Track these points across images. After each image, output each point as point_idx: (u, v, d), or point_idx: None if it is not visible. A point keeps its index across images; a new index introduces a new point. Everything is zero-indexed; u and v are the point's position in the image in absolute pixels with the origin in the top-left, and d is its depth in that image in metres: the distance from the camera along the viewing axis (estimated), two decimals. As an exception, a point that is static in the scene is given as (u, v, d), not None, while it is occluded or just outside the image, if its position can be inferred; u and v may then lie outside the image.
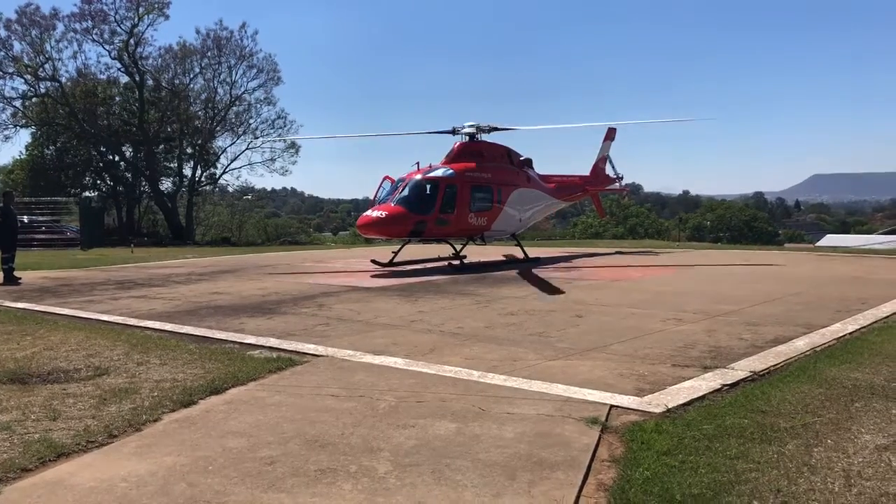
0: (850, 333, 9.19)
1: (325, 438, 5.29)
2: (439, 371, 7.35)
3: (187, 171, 48.56)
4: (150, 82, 46.35)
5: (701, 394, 6.38)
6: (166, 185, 48.93)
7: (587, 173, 27.02)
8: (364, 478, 4.55)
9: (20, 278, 16.62)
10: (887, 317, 10.42)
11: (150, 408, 6.07)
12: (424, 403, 6.18)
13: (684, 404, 6.08)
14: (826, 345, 8.51)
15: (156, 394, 6.52)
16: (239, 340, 9.11)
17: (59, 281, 16.99)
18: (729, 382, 6.76)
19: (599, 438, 5.25)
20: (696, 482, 4.41)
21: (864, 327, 9.63)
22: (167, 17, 44.43)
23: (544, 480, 4.49)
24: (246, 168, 49.86)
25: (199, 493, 4.34)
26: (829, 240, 70.72)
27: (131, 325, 10.35)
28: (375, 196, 19.34)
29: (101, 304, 12.71)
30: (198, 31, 46.06)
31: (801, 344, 8.52)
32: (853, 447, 5.04)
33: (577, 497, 4.27)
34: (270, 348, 8.59)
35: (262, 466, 4.76)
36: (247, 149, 48.48)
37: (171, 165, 49.18)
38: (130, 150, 47.53)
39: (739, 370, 7.24)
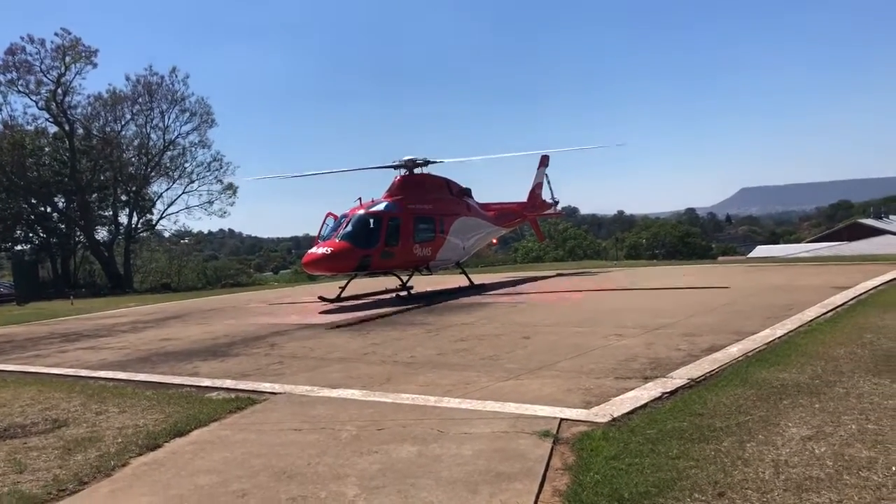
0: (778, 338, 9.80)
1: (292, 469, 5.52)
2: (396, 399, 7.63)
3: (123, 219, 47.76)
4: (81, 131, 45.59)
5: (643, 402, 6.82)
6: (102, 233, 48.00)
7: (524, 200, 27.72)
8: (334, 502, 4.81)
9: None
10: (811, 321, 11.10)
11: (116, 454, 6.21)
12: (385, 430, 6.46)
13: (628, 413, 6.50)
14: (756, 350, 9.08)
15: (120, 440, 6.64)
16: (195, 384, 9.22)
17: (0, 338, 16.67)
18: (668, 390, 7.22)
19: (552, 449, 5.61)
20: (642, 481, 4.81)
21: (791, 332, 10.25)
22: (95, 66, 43.90)
23: (504, 491, 4.82)
24: (183, 212, 49.30)
25: (177, 528, 4.54)
26: (760, 251, 73.19)
27: (84, 377, 10.34)
28: (319, 233, 19.55)
29: (49, 357, 12.61)
30: (128, 78, 45.60)
31: (734, 350, 9.08)
32: (781, 440, 5.51)
33: (536, 503, 4.61)
34: (228, 389, 8.74)
35: (235, 499, 4.97)
36: (183, 192, 48.01)
37: (106, 214, 48.23)
38: (63, 200, 46.51)
39: (678, 378, 7.72)
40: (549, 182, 28.61)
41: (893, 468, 4.77)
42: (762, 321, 11.26)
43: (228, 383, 9.08)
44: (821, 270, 20.96)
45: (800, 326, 10.63)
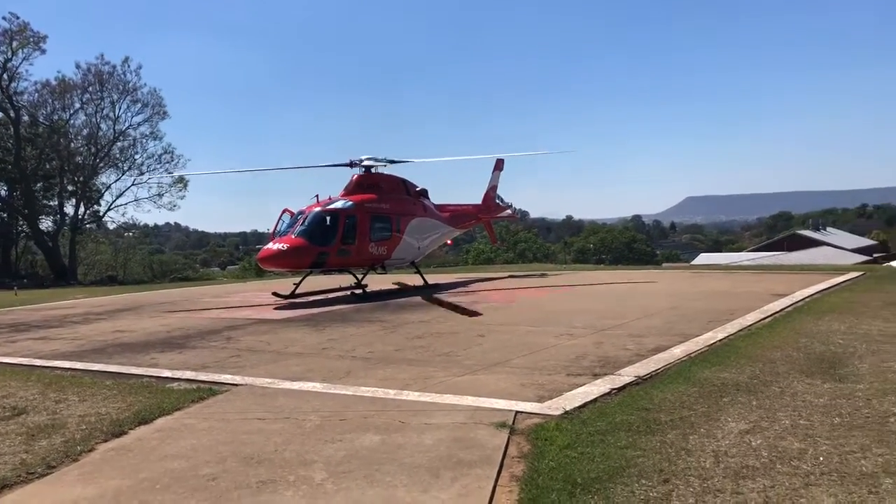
0: (719, 340, 10.32)
1: (260, 455, 5.73)
2: (357, 392, 7.87)
3: (69, 209, 46.83)
4: (26, 118, 44.56)
5: (593, 397, 7.19)
6: (46, 223, 46.95)
7: (479, 202, 28.11)
8: (303, 485, 5.05)
9: None
10: (751, 325, 11.68)
11: (81, 440, 6.31)
12: (348, 420, 6.70)
13: (580, 407, 6.86)
14: (699, 351, 9.57)
15: (84, 427, 6.74)
16: (155, 374, 9.30)
17: (-56, 327, 16.32)
18: (617, 386, 7.62)
19: (508, 439, 5.93)
20: (593, 468, 5.16)
21: (732, 335, 10.79)
22: (43, 52, 43.02)
23: (465, 476, 5.12)
24: (132, 204, 48.51)
25: (152, 508, 4.72)
26: (704, 258, 75.17)
27: (38, 366, 10.29)
28: (275, 229, 19.59)
29: (-1, 347, 12.47)
30: (78, 66, 44.75)
31: (678, 351, 9.55)
32: (721, 433, 5.93)
33: (494, 486, 4.92)
34: (188, 380, 8.84)
35: (206, 482, 5.17)
36: (132, 184, 47.26)
37: (52, 203, 47.21)
38: (5, 188, 45.34)
39: (626, 376, 8.12)
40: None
41: (821, 458, 5.21)
42: (705, 325, 11.79)
43: (189, 374, 9.19)
44: (761, 278, 21.81)
45: (740, 330, 11.17)
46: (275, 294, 19.90)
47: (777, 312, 13.09)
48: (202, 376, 9.04)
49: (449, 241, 27.32)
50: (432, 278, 24.63)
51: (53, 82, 44.15)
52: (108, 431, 6.54)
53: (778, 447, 5.49)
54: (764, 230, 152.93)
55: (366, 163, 21.57)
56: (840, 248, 78.23)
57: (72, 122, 45.65)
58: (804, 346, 9.58)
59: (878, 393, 6.99)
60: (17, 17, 41.64)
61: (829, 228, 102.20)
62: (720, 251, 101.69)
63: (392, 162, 22.05)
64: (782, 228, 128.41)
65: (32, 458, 5.84)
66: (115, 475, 5.39)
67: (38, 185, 45.53)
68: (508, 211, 30.62)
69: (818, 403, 6.71)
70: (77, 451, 6.00)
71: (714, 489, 4.73)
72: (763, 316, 12.60)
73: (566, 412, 6.68)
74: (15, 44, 41.73)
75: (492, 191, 28.77)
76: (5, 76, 42.01)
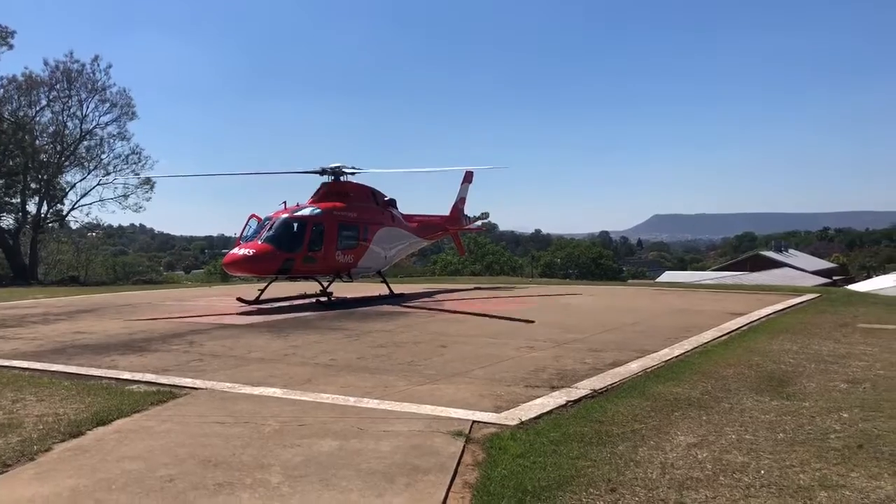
0: (675, 357, 10.57)
1: (217, 458, 5.79)
2: (317, 398, 7.95)
3: (31, 207, 45.99)
4: (-9, 113, 43.79)
5: (549, 409, 7.37)
6: (7, 221, 46.03)
7: (447, 213, 28.28)
8: (260, 488, 5.13)
9: None
10: (707, 342, 11.96)
11: (38, 439, 6.32)
12: (307, 426, 6.78)
13: (535, 418, 7.03)
14: (655, 367, 9.80)
15: (41, 427, 6.74)
16: (114, 376, 9.29)
17: None
18: (573, 399, 7.80)
19: (464, 448, 6.07)
20: (544, 477, 5.31)
21: (688, 352, 11.05)
22: (11, 47, 42.34)
23: (419, 482, 5.24)
24: (97, 204, 47.77)
25: (108, 507, 4.76)
26: (668, 276, 76.10)
27: (-5, 366, 10.20)
28: (241, 234, 19.55)
29: (-45, 345, 12.29)
30: (46, 63, 43.98)
31: (635, 366, 9.77)
32: (670, 446, 6.12)
33: (447, 493, 5.05)
34: (148, 383, 8.85)
35: (163, 483, 5.22)
36: (98, 184, 46.57)
37: (14, 201, 46.31)
38: (-34, 184, 44.48)
39: (582, 389, 8.31)
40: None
41: (762, 471, 5.43)
42: (663, 341, 12.04)
43: (149, 377, 9.19)
44: (721, 297, 22.23)
45: (696, 347, 11.44)
46: (239, 300, 19.81)
47: (734, 331, 13.41)
48: (163, 379, 9.04)
49: (415, 252, 27.46)
50: (398, 288, 24.70)
51: (20, 78, 43.50)
52: (66, 432, 6.55)
53: (722, 460, 5.70)
54: (728, 250, 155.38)
55: (335, 171, 21.63)
56: (801, 270, 79.89)
57: (38, 119, 44.83)
58: (756, 364, 9.86)
59: (823, 410, 7.25)
60: (-15, 12, 41.05)
61: (791, 250, 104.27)
62: (685, 269, 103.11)
63: (360, 171, 22.14)
64: (746, 249, 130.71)
65: (-13, 457, 5.83)
66: (71, 475, 5.42)
67: (1, 181, 44.72)
68: (478, 223, 30.85)
69: (764, 419, 6.94)
70: (34, 451, 6.01)
71: (658, 499, 4.91)
72: (720, 334, 12.90)
73: (522, 422, 6.83)
74: (-19, 38, 41.10)
75: (460, 202, 28.95)
76: (-29, 70, 41.33)
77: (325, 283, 20.81)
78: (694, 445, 6.12)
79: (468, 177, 28.95)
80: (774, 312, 16.80)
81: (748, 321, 14.91)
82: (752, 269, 75.76)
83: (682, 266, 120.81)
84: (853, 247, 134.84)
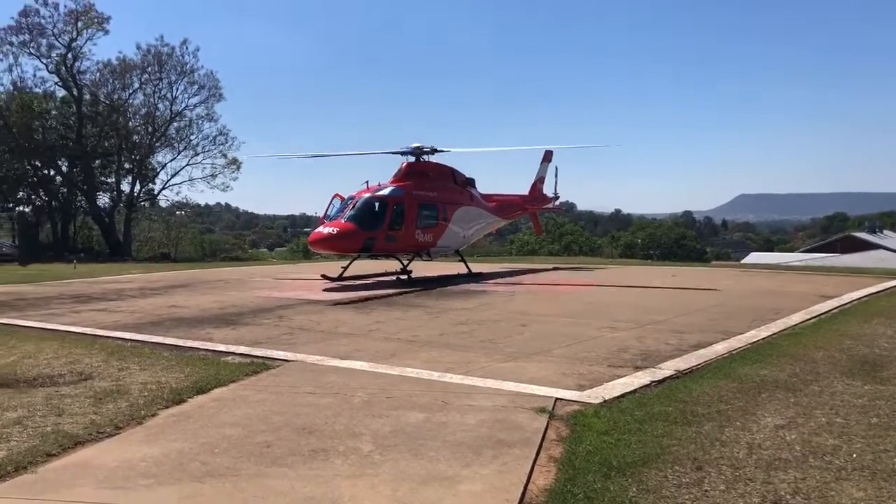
0: (762, 339, 10.37)
1: (311, 426, 6.06)
2: (402, 372, 8.17)
3: (125, 187, 48.12)
4: (88, 97, 45.86)
5: (633, 388, 7.38)
6: (103, 200, 48.31)
7: (526, 193, 28.23)
8: (352, 455, 5.36)
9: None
10: (795, 325, 11.67)
11: (144, 405, 6.73)
12: (394, 398, 7.00)
13: (619, 397, 7.05)
14: (741, 348, 9.65)
15: (146, 394, 7.16)
16: (210, 348, 9.74)
17: (12, 295, 17.14)
18: (657, 379, 7.78)
19: (548, 423, 6.16)
20: (629, 453, 5.36)
21: (775, 334, 10.83)
22: (107, 32, 44.16)
23: (504, 455, 5.36)
24: (186, 184, 49.65)
25: (212, 468, 5.08)
26: (754, 257, 73.86)
27: (101, 336, 10.83)
28: (326, 213, 20.03)
29: (64, 316, 13.09)
30: (138, 47, 45.78)
31: (720, 348, 9.64)
32: (757, 427, 6.07)
33: (533, 465, 5.16)
34: (242, 355, 9.26)
35: (262, 449, 5.51)
36: (187, 164, 48.33)
37: (109, 180, 48.56)
38: (66, 164, 46.81)
39: (666, 369, 8.27)
40: (557, 176, 29.34)
41: (854, 455, 5.33)
42: (748, 323, 11.81)
43: (242, 349, 9.60)
44: (810, 279, 21.56)
45: (784, 330, 11.19)
46: (323, 276, 20.35)
47: (823, 314, 13.04)
48: (256, 351, 9.44)
49: (494, 231, 27.54)
50: (476, 267, 24.86)
51: (115, 62, 45.38)
52: (169, 399, 6.95)
53: (812, 442, 5.62)
54: (817, 231, 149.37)
55: (415, 151, 21.88)
56: (896, 252, 76.18)
57: (131, 101, 46.80)
58: (848, 347, 9.59)
59: (919, 396, 7.03)
60: (82, -2, 42.85)
61: (885, 231, 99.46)
62: (772, 251, 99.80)
63: (441, 151, 22.31)
64: (837, 230, 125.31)
65: (101, 420, 6.26)
66: (177, 438, 5.77)
67: (97, 162, 46.88)
68: (554, 203, 30.73)
69: (857, 403, 6.78)
70: (141, 416, 6.41)
71: (745, 478, 4.90)
72: (809, 316, 12.57)
73: (605, 401, 6.87)
74: (80, 24, 42.95)
75: (539, 182, 28.88)
76: (70, 55, 43.28)
77: (405, 262, 21.14)
78: (782, 427, 6.04)
79: (547, 156, 28.83)
80: (867, 295, 16.22)
81: (839, 304, 14.46)
82: (843, 251, 72.58)
83: (768, 247, 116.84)
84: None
